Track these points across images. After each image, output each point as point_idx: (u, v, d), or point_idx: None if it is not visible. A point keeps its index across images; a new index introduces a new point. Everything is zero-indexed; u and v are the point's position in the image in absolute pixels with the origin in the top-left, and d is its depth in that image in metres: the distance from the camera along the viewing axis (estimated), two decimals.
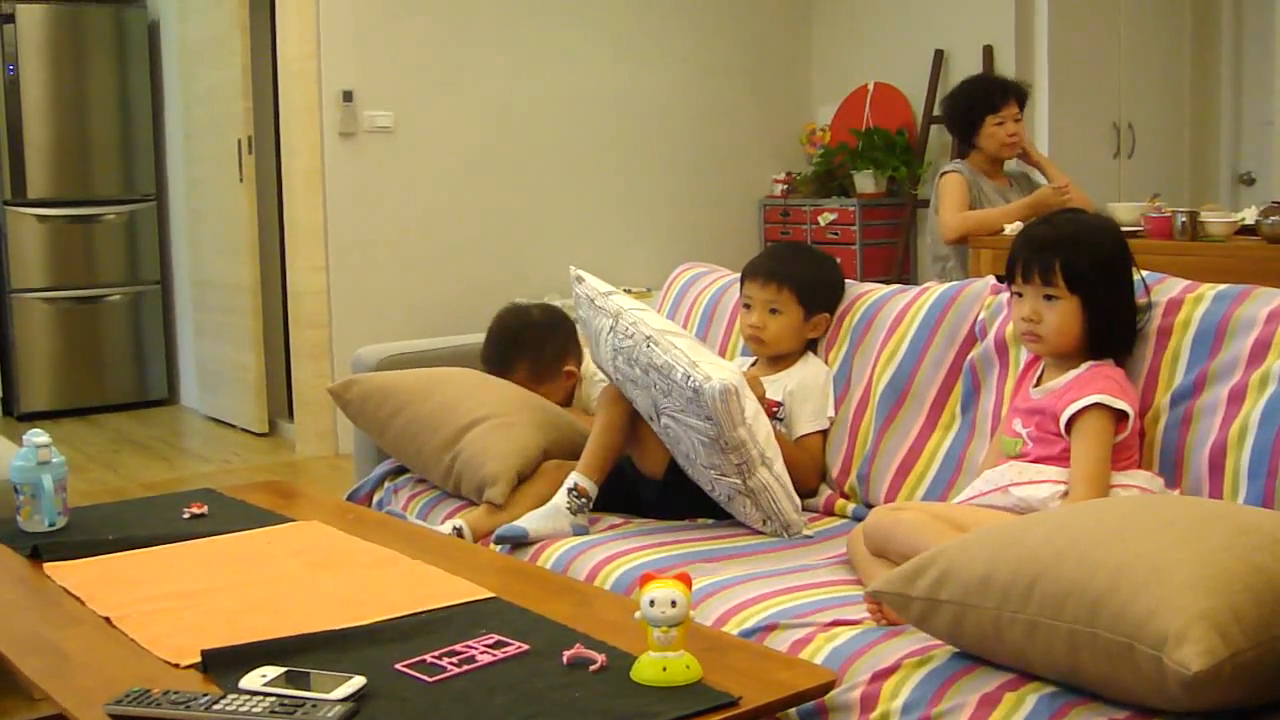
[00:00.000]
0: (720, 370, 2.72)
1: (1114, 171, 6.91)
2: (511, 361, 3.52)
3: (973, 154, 5.04)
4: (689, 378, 2.69)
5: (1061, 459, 2.45)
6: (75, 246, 7.70)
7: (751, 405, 2.76)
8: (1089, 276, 2.50)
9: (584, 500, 2.88)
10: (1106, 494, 2.35)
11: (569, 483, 2.89)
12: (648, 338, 2.80)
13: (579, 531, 2.83)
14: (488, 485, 3.06)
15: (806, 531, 2.84)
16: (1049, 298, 2.53)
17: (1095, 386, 2.45)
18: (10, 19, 7.45)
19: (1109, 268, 2.54)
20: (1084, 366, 2.52)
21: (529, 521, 2.84)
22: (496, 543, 2.82)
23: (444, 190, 6.53)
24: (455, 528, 2.91)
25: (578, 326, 3.27)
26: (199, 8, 7.17)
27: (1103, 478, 2.37)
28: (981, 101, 4.97)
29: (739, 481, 2.78)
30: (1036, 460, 2.48)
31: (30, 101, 7.53)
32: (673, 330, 2.86)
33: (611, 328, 2.91)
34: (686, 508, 2.96)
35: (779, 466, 2.81)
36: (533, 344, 3.56)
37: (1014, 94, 4.99)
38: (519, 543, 2.80)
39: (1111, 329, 2.53)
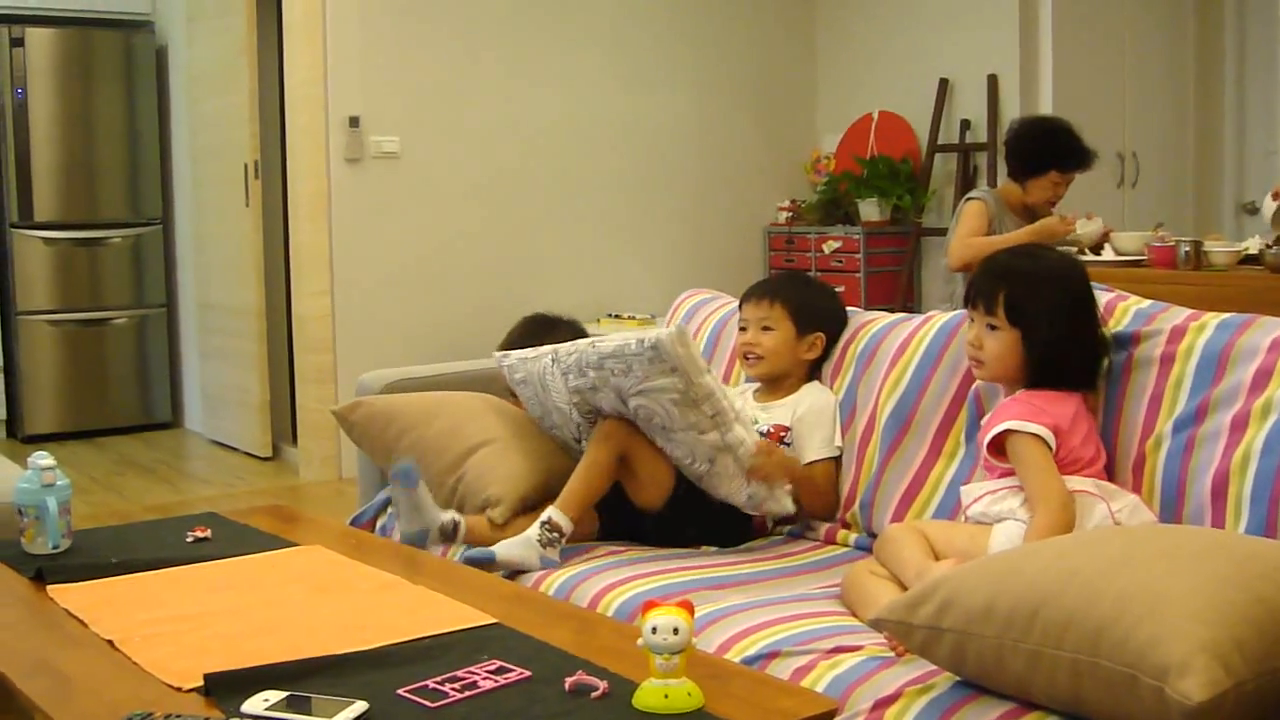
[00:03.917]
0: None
1: (1118, 201, 6.93)
2: (545, 338, 3.51)
3: (1009, 186, 5.01)
4: (642, 341, 2.81)
5: (1001, 475, 2.58)
6: (81, 269, 7.71)
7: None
8: (1030, 311, 2.59)
9: (556, 535, 2.87)
10: (1063, 508, 2.40)
11: (544, 516, 2.89)
12: (590, 342, 2.95)
13: (547, 564, 2.82)
14: (490, 506, 3.07)
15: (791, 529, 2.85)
16: (991, 327, 2.63)
17: (1010, 413, 2.55)
18: (20, 42, 7.48)
19: (1057, 306, 2.60)
20: (1015, 394, 2.63)
21: (499, 547, 2.84)
22: (464, 562, 2.82)
23: (449, 216, 6.55)
24: (454, 520, 2.90)
25: (522, 400, 3.29)
26: (207, 33, 7.20)
27: (1049, 495, 2.43)
28: (1059, 157, 4.92)
29: (718, 437, 2.84)
30: (994, 477, 2.61)
31: (38, 124, 7.55)
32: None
33: (552, 361, 3.05)
34: (690, 537, 2.97)
35: (754, 436, 2.89)
36: (564, 331, 3.56)
37: (1087, 163, 4.96)
38: (484, 565, 2.79)
39: (1053, 363, 2.59)
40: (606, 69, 6.98)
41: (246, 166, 6.80)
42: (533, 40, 6.75)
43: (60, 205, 7.64)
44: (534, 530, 2.87)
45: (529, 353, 3.18)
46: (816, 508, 3.05)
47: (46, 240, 7.60)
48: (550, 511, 2.89)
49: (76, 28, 7.73)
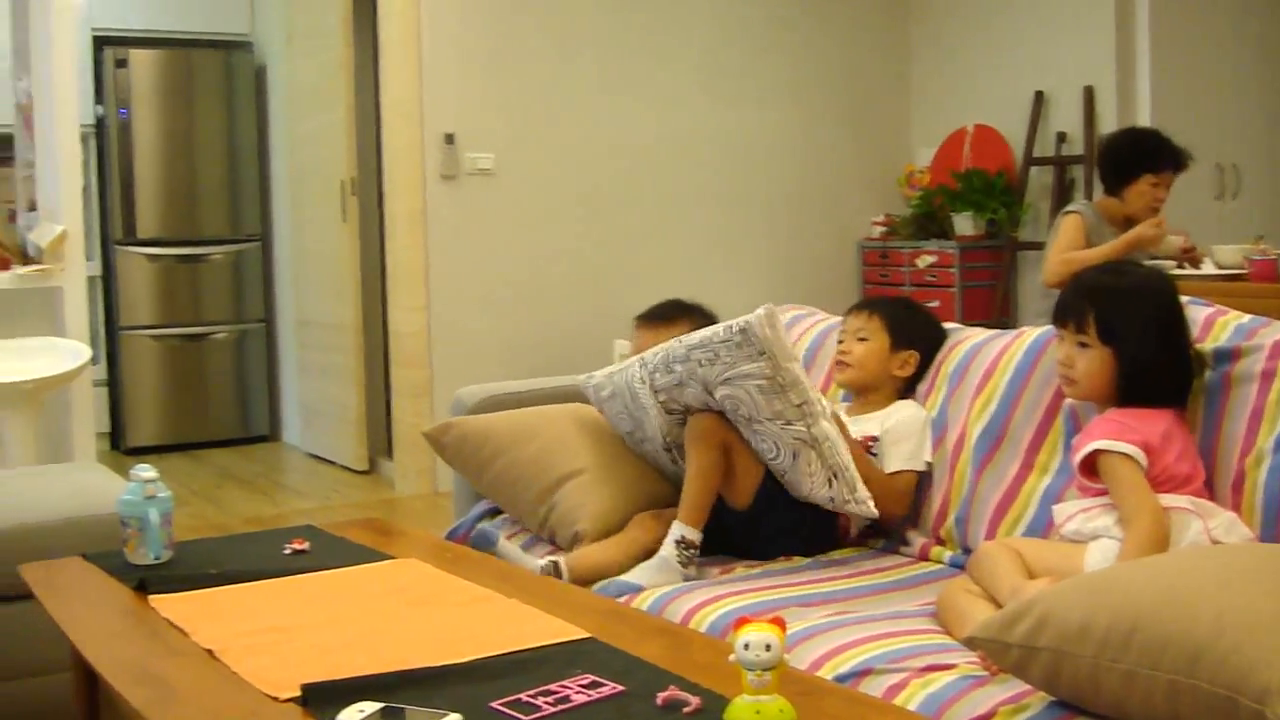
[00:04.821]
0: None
1: (1216, 213, 6.82)
2: (676, 318, 3.53)
3: (1106, 200, 4.95)
4: (730, 326, 2.84)
5: (1095, 494, 2.55)
6: (183, 285, 7.85)
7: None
8: (1121, 329, 2.58)
9: (692, 551, 2.89)
10: (1156, 525, 2.38)
11: (674, 534, 2.90)
12: (676, 342, 2.99)
13: (688, 581, 2.84)
14: (578, 543, 3.09)
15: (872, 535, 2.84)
16: (1082, 345, 2.62)
17: (1099, 432, 2.54)
18: (124, 63, 7.63)
19: (1147, 322, 2.59)
20: (1105, 412, 2.61)
21: (640, 577, 2.85)
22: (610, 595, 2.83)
23: (543, 232, 6.59)
24: (552, 561, 2.93)
25: (610, 417, 3.31)
26: (305, 52, 7.30)
27: (1141, 512, 2.40)
28: (1149, 158, 4.85)
29: (803, 430, 2.84)
30: (1087, 496, 2.59)
31: (141, 144, 7.70)
32: None
33: (640, 366, 3.08)
34: (773, 538, 2.97)
35: (842, 437, 2.90)
36: (700, 315, 3.57)
37: (1179, 162, 4.89)
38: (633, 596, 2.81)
39: (1144, 380, 2.57)
40: (701, 84, 6.99)
41: (343, 183, 6.88)
42: (627, 56, 6.77)
43: (162, 222, 7.79)
44: (670, 551, 2.88)
45: (614, 368, 3.20)
46: (893, 515, 3.05)
47: (149, 257, 7.74)
48: (679, 529, 2.90)
49: (178, 49, 7.87)
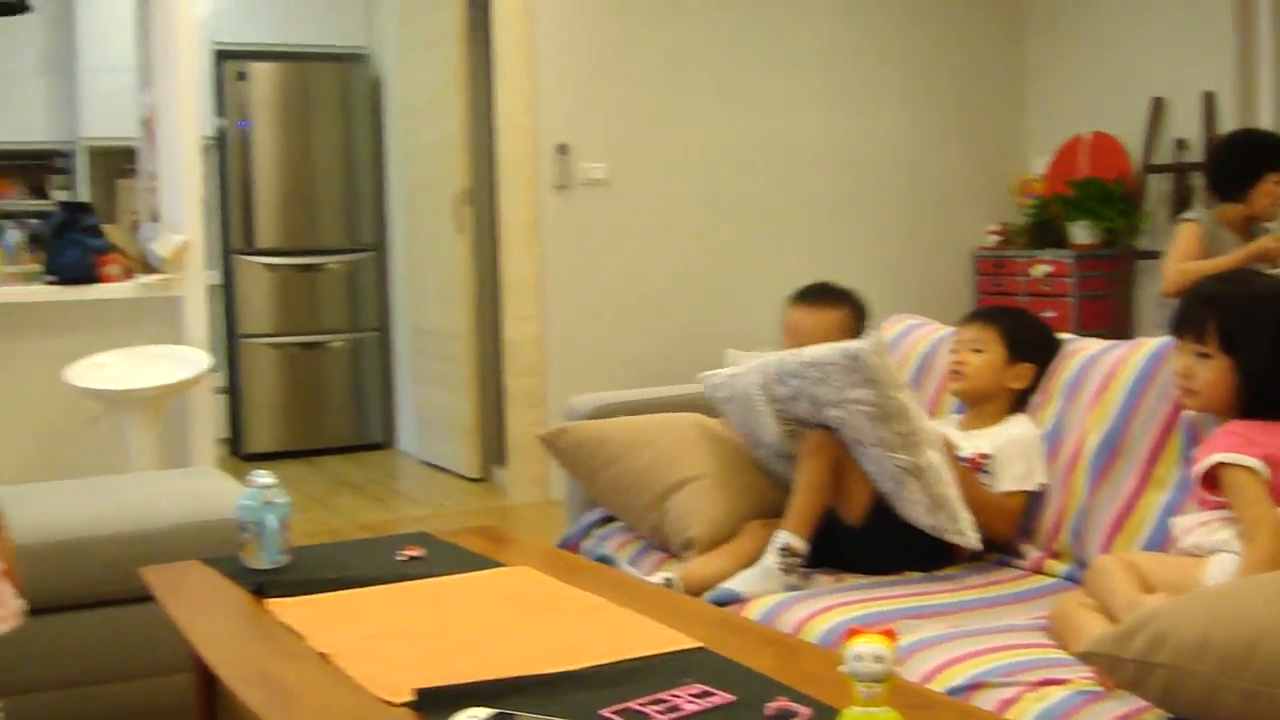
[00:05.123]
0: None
1: None
2: (832, 302, 3.53)
3: (1225, 206, 4.85)
4: (842, 351, 2.83)
5: (1214, 507, 2.51)
6: (300, 294, 7.97)
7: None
8: (1243, 338, 2.54)
9: (796, 560, 2.88)
10: (1276, 540, 2.33)
11: (779, 542, 2.89)
12: (794, 352, 2.98)
13: (790, 590, 2.83)
14: (690, 549, 3.10)
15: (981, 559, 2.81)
16: (1202, 355, 2.59)
17: (1220, 445, 2.50)
18: (244, 76, 7.77)
19: (1270, 332, 2.55)
20: (1225, 424, 2.56)
21: (742, 584, 2.85)
22: (713, 603, 2.83)
23: (656, 241, 6.60)
24: (665, 578, 2.94)
25: (728, 419, 3.32)
26: (420, 64, 7.39)
27: (1262, 527, 2.36)
28: (1271, 156, 4.79)
29: (907, 458, 2.81)
30: (1206, 509, 2.54)
31: (260, 155, 7.84)
32: None
33: (758, 373, 3.07)
34: (887, 555, 2.94)
35: (949, 466, 2.86)
36: (852, 303, 3.57)
37: None
38: (734, 604, 2.81)
39: (1267, 392, 2.53)
40: (814, 92, 6.97)
41: (458, 194, 6.95)
42: (740, 65, 6.77)
43: (281, 232, 7.91)
44: (772, 559, 2.87)
45: (736, 369, 3.20)
46: (1002, 536, 3.02)
47: (268, 266, 7.87)
48: (785, 537, 2.89)
49: (296, 62, 8.00)
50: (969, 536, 2.87)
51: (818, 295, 3.58)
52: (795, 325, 3.50)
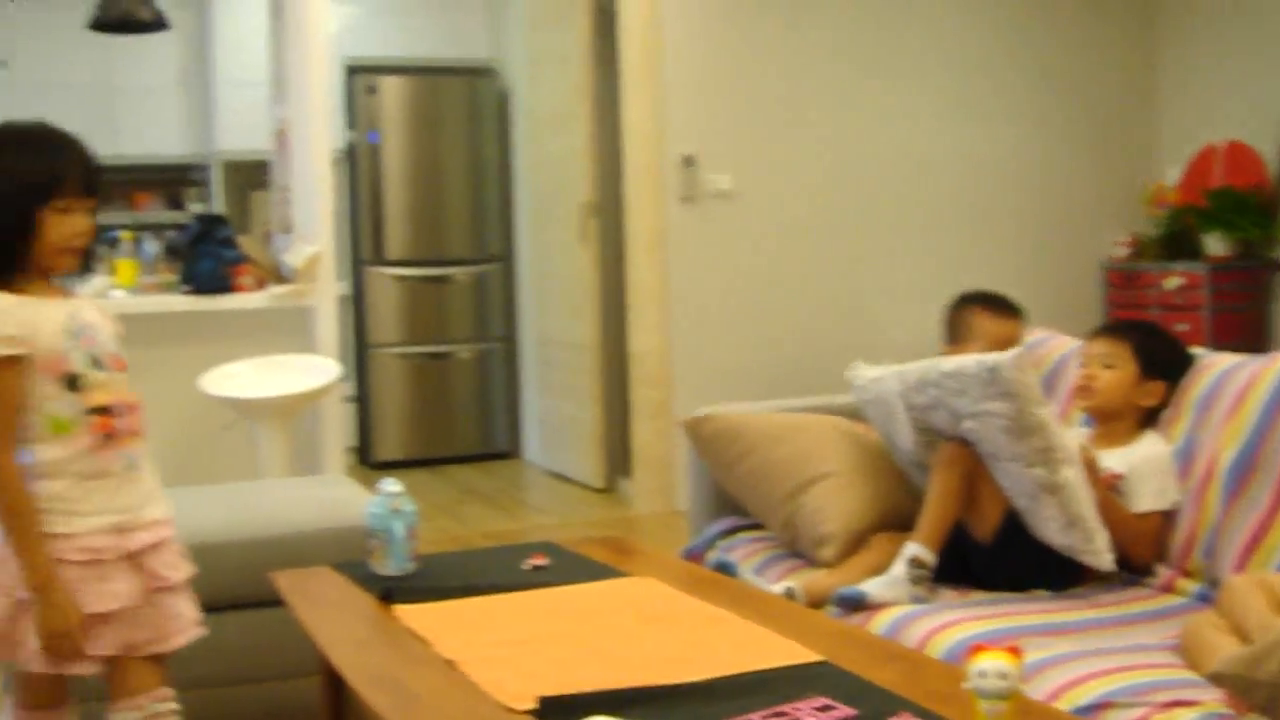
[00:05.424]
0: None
1: None
2: (1017, 311, 3.48)
3: None
4: (981, 362, 2.82)
5: None
6: (428, 305, 8.06)
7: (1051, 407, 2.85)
8: None
9: (923, 571, 2.86)
10: None
11: (908, 553, 2.88)
12: (935, 361, 2.99)
13: (917, 601, 2.82)
14: (823, 544, 3.08)
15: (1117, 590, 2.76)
16: None
17: None
18: (374, 90, 7.89)
19: None
20: None
21: (870, 587, 2.84)
22: (835, 603, 2.83)
23: (783, 254, 6.59)
24: (787, 589, 2.93)
25: (870, 421, 3.30)
26: (548, 77, 7.44)
27: None
28: None
29: (1044, 473, 2.78)
30: None
31: (390, 167, 7.95)
32: None
33: (899, 378, 3.08)
34: (1016, 572, 2.91)
35: (1086, 484, 2.82)
36: (1021, 316, 3.53)
37: None
38: (857, 606, 2.81)
39: None
40: (941, 102, 6.91)
41: (584, 206, 6.99)
42: (866, 76, 6.74)
43: (410, 243, 8.02)
44: (901, 569, 2.86)
45: (880, 371, 3.19)
46: (1141, 557, 2.95)
47: (397, 277, 7.98)
48: (913, 548, 2.88)
49: (425, 76, 8.11)
50: (1103, 557, 2.82)
51: (1007, 306, 3.51)
52: (986, 332, 3.40)
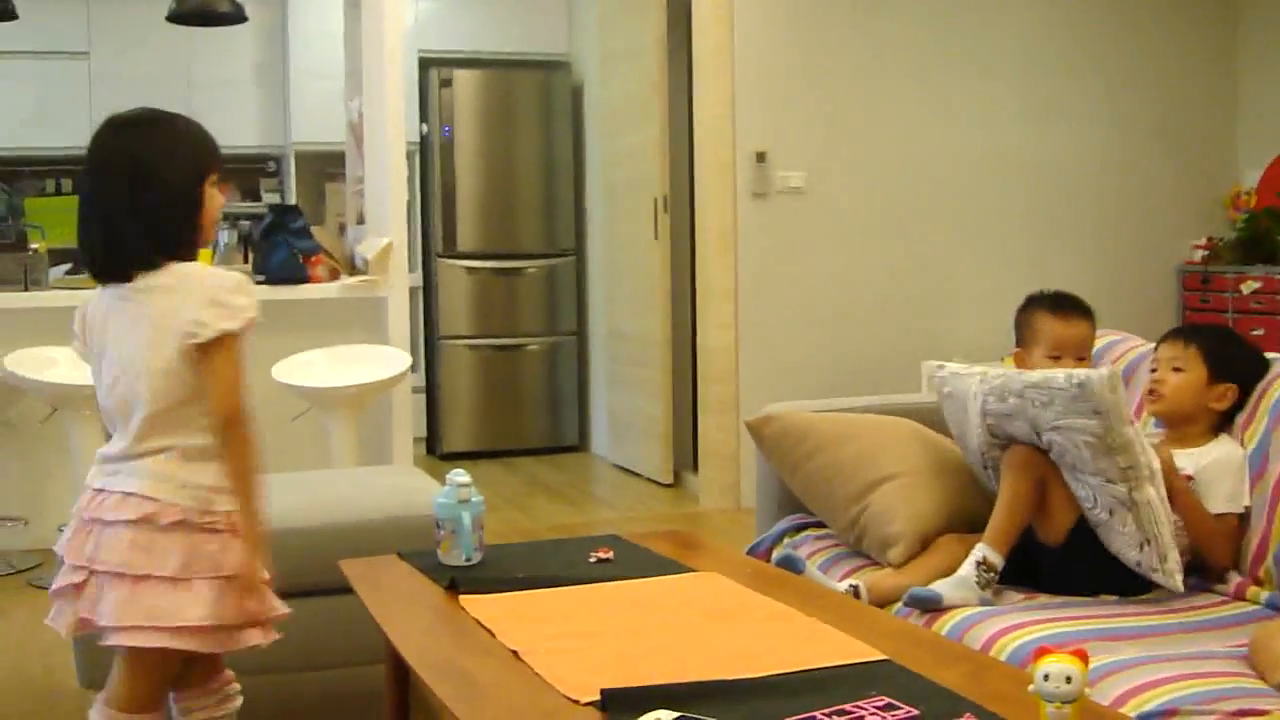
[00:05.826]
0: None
1: None
2: (1085, 315, 3.40)
3: None
4: (1071, 377, 2.76)
5: None
6: (499, 297, 8.10)
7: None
8: None
9: (992, 574, 2.85)
10: None
11: (977, 555, 2.86)
12: (1017, 371, 2.95)
13: (984, 604, 2.80)
14: (890, 545, 3.07)
15: (1190, 602, 2.73)
16: None
17: None
18: (448, 83, 7.94)
19: None
20: None
21: (943, 588, 2.83)
22: (908, 604, 2.82)
23: (852, 251, 6.57)
24: (852, 586, 2.93)
25: (945, 415, 3.26)
26: (621, 71, 7.45)
27: None
28: None
29: (1124, 490, 2.75)
30: None
31: (462, 160, 7.99)
32: None
33: (980, 381, 3.04)
34: (1085, 578, 2.88)
35: (1165, 504, 2.79)
36: (1093, 321, 3.45)
37: None
38: (931, 608, 2.79)
39: None
40: (1013, 101, 6.87)
41: (656, 200, 7.00)
42: (940, 74, 6.71)
43: (481, 236, 8.06)
44: (969, 570, 2.85)
45: (962, 368, 3.17)
46: (1217, 558, 2.92)
47: (468, 269, 8.02)
48: (982, 550, 2.86)
49: (499, 69, 8.15)
50: (1175, 579, 2.78)
51: (1075, 307, 3.43)
52: (1047, 334, 3.34)
